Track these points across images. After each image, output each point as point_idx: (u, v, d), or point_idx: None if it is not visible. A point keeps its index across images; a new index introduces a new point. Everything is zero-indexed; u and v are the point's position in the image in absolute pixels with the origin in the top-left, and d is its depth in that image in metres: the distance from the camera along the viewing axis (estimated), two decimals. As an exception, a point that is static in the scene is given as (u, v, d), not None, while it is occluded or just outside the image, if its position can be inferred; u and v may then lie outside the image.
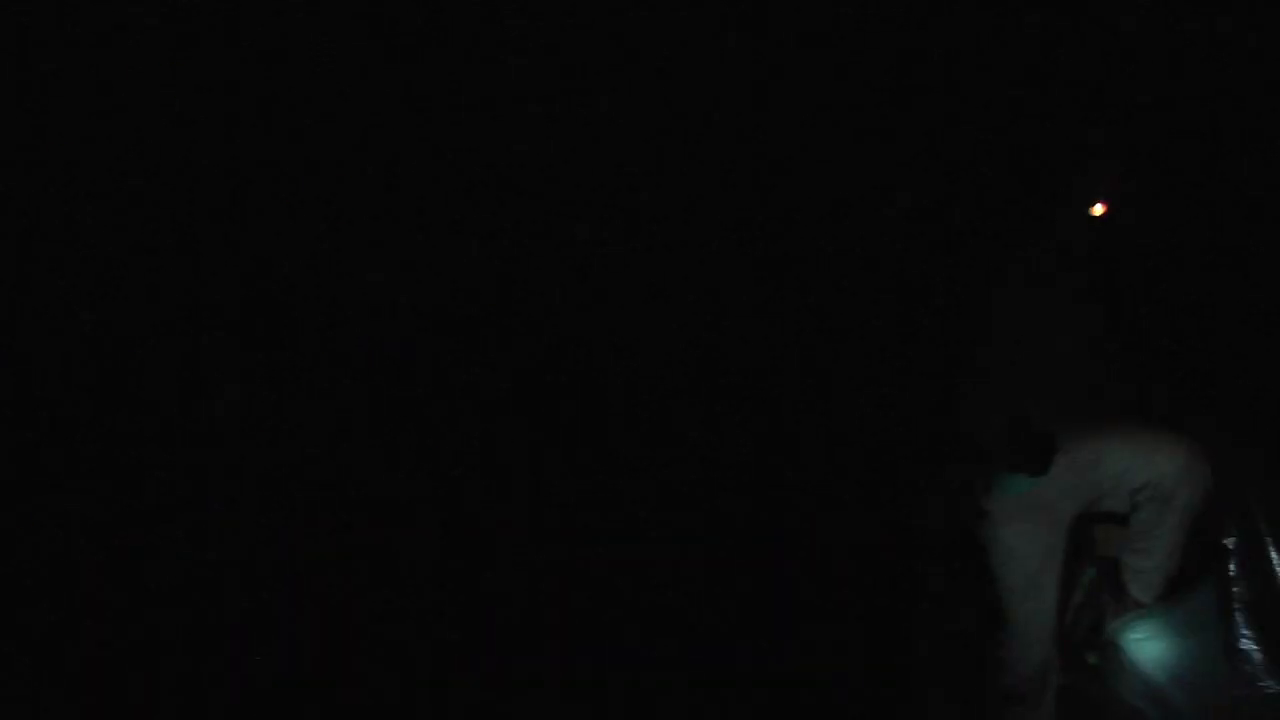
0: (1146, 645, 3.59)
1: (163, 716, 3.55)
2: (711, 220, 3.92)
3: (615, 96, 3.83)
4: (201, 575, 3.66)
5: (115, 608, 3.58)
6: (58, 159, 3.70)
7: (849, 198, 3.83)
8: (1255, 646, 3.48)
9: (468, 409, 3.92)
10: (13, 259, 3.66)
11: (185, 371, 3.77)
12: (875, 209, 3.78)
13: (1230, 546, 3.54)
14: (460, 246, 3.92)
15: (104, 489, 3.62)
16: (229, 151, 3.79)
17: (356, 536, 3.78)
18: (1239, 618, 3.52)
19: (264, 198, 3.83)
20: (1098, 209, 3.50)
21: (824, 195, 3.85)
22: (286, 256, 3.87)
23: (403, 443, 3.88)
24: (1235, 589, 3.53)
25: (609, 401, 3.93)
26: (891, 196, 3.74)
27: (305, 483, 3.80)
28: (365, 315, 3.89)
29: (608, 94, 3.82)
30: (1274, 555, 3.50)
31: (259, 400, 3.81)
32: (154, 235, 3.77)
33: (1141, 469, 3.45)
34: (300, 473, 3.79)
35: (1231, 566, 3.54)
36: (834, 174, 3.83)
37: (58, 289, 3.67)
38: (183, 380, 3.77)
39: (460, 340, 3.93)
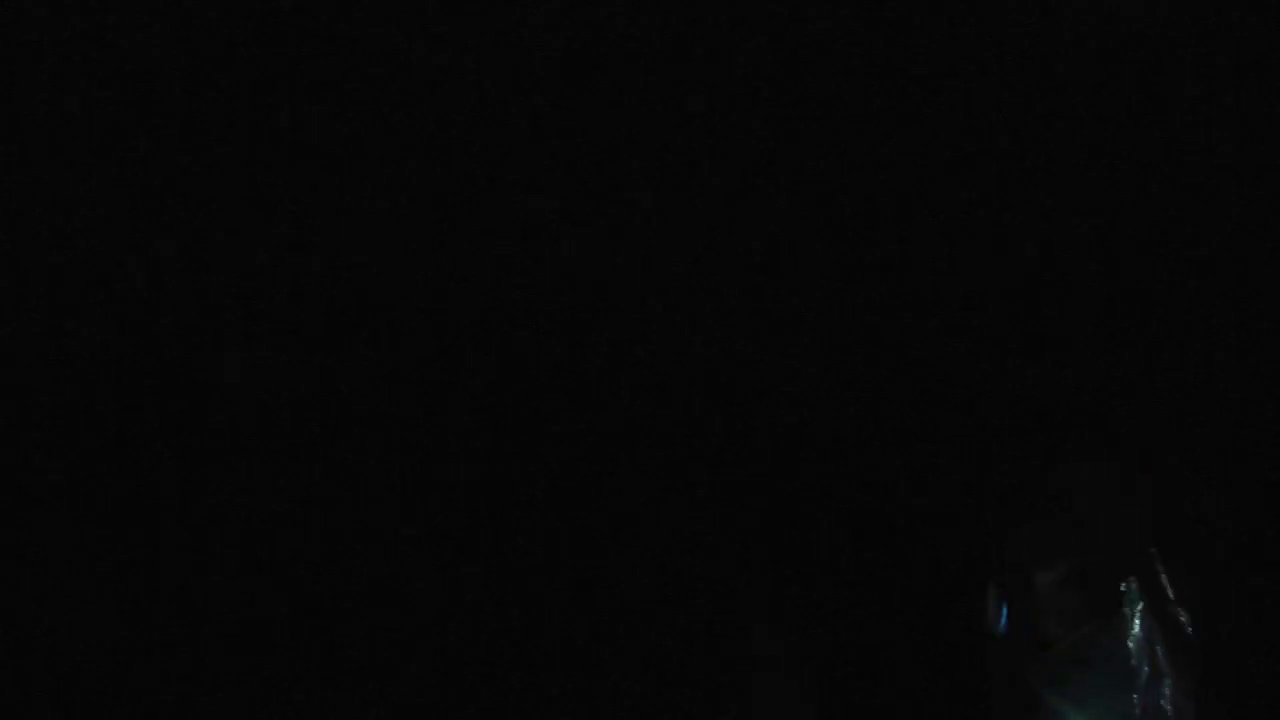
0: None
1: (163, 716, 3.54)
2: (713, 223, 3.94)
3: (618, 98, 3.85)
4: (201, 574, 3.66)
5: (115, 607, 3.57)
6: (58, 157, 3.69)
7: (862, 205, 3.86)
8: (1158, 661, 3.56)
9: (467, 409, 3.93)
10: (12, 256, 3.66)
11: (184, 370, 3.77)
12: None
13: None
14: (459, 246, 3.93)
15: (105, 486, 3.61)
16: (226, 146, 3.80)
17: (356, 535, 3.78)
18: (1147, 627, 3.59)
19: (261, 193, 3.83)
20: None
21: (834, 201, 3.88)
22: (284, 256, 3.87)
23: (402, 441, 3.89)
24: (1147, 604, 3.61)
25: (608, 401, 3.95)
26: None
27: (304, 482, 3.80)
28: (365, 314, 3.90)
29: (612, 95, 3.84)
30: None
31: (257, 400, 3.81)
32: (153, 234, 3.78)
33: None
34: (299, 472, 3.79)
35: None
36: (841, 179, 3.86)
37: (58, 280, 3.67)
38: (181, 379, 3.77)
39: (459, 340, 3.94)
